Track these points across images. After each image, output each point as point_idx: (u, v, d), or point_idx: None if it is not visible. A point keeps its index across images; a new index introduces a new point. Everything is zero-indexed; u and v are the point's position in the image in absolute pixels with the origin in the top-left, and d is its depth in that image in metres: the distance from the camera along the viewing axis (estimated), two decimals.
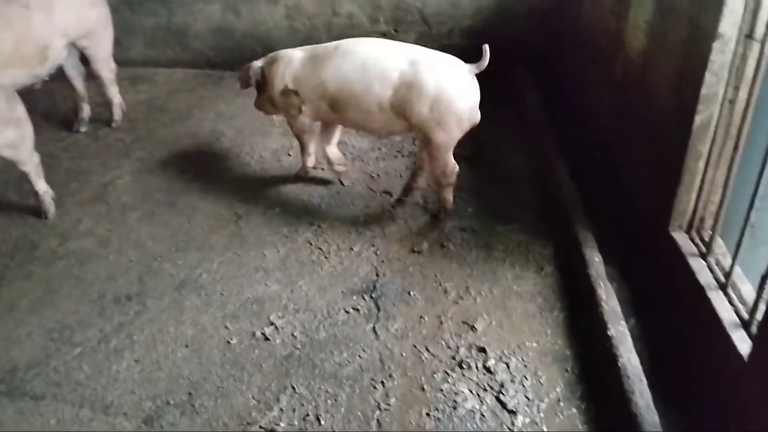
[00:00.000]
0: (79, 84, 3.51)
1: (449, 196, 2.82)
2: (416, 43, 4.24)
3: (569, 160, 3.09)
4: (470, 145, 3.47)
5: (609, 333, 2.07)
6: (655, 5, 2.44)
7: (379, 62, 2.62)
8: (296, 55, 2.88)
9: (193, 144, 3.51)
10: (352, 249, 2.71)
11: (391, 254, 2.68)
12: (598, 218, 2.67)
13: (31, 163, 2.74)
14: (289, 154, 3.43)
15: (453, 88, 2.55)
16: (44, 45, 3.02)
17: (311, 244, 2.75)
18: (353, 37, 4.13)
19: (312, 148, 3.12)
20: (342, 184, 3.17)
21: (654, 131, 2.43)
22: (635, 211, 2.59)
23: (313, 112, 2.86)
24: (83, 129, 3.57)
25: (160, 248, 2.71)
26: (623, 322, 2.14)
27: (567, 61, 3.88)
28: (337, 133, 3.13)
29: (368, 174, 3.26)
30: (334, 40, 4.21)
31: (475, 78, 2.65)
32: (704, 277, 2.05)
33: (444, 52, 4.21)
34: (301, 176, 3.19)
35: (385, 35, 4.27)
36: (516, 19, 4.10)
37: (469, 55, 4.19)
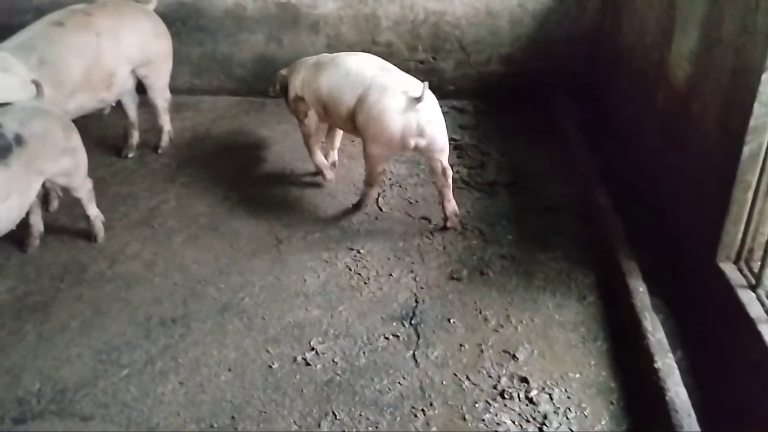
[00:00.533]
0: (132, 111, 3.66)
1: (370, 194, 3.11)
2: (454, 70, 4.33)
3: (611, 187, 3.06)
4: (510, 172, 3.49)
5: (656, 366, 2.03)
6: (701, 35, 2.43)
7: (356, 75, 2.92)
8: (306, 63, 3.22)
9: (236, 169, 3.60)
10: (391, 275, 2.73)
11: (430, 281, 2.68)
12: (642, 247, 2.63)
13: (84, 189, 2.83)
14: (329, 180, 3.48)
15: (389, 112, 2.76)
16: (111, 72, 3.19)
17: (351, 270, 2.77)
18: (392, 64, 4.22)
19: (317, 151, 3.37)
20: (381, 210, 3.20)
21: (699, 161, 2.40)
22: (680, 240, 2.54)
23: (317, 116, 3.17)
24: (131, 155, 3.70)
25: (204, 272, 2.77)
26: (670, 355, 2.10)
27: (607, 87, 3.86)
28: (338, 138, 3.47)
29: (406, 200, 3.29)
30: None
31: (423, 106, 2.77)
32: (754, 309, 2.00)
33: (483, 80, 4.29)
34: (323, 180, 3.40)
35: (422, 63, 4.34)
36: (555, 46, 4.11)
37: (508, 82, 4.25)
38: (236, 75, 4.49)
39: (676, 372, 2.02)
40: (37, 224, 2.87)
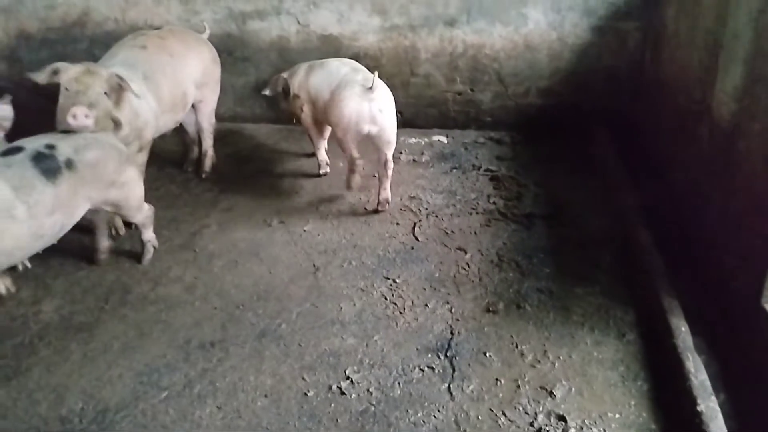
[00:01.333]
0: (191, 128, 3.89)
1: (350, 178, 3.39)
2: (492, 102, 4.36)
3: (652, 222, 3.02)
4: (547, 204, 3.47)
5: (698, 408, 1.98)
6: (745, 72, 2.41)
7: (333, 74, 3.44)
8: (302, 67, 3.72)
9: (275, 196, 3.67)
10: (426, 305, 2.73)
11: (466, 312, 2.68)
12: (684, 285, 2.58)
13: (139, 216, 2.91)
14: (365, 209, 3.52)
15: (346, 100, 3.25)
16: (184, 92, 3.41)
17: (386, 299, 2.79)
18: (429, 96, 4.28)
19: (321, 144, 3.85)
20: (417, 239, 3.22)
21: (744, 199, 2.36)
22: (724, 280, 2.49)
23: (311, 111, 3.64)
24: (190, 169, 3.92)
25: (243, 296, 2.82)
26: (713, 398, 2.04)
27: (648, 122, 3.83)
28: (326, 134, 3.81)
29: (442, 230, 3.30)
30: (411, 98, 4.41)
31: (376, 97, 3.22)
32: None
33: (520, 112, 4.31)
34: (323, 174, 3.84)
35: (460, 94, 4.39)
36: (594, 80, 4.11)
37: (546, 114, 4.26)
38: (278, 105, 4.60)
39: (720, 416, 1.97)
40: (103, 240, 3.00)
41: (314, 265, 3.04)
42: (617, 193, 3.41)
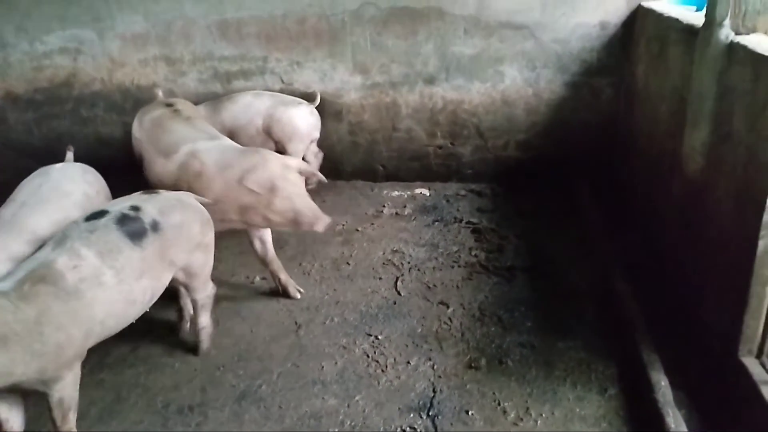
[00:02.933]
0: None
1: None
2: (472, 155, 4.45)
3: (632, 274, 3.06)
4: (528, 257, 3.51)
5: None
6: (711, 129, 2.49)
7: (256, 105, 4.08)
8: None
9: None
10: (408, 363, 2.71)
11: (448, 369, 2.66)
12: (663, 338, 2.59)
13: (204, 292, 2.75)
14: (348, 263, 3.54)
15: (300, 117, 4.07)
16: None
17: (368, 357, 2.77)
18: (411, 150, 4.36)
19: None
20: (399, 294, 3.22)
21: (717, 252, 2.40)
22: (702, 332, 2.51)
23: None
24: None
25: (223, 357, 2.79)
26: None
27: (625, 173, 3.92)
28: None
29: (425, 284, 3.31)
30: (393, 152, 4.49)
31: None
32: None
33: (500, 164, 4.39)
34: None
35: (441, 148, 4.48)
36: (570, 133, 4.22)
37: (525, 166, 4.35)
38: None
39: None
40: (187, 307, 2.94)
41: (296, 323, 3.03)
42: (597, 245, 3.45)
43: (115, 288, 2.20)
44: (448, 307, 3.09)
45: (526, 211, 4.02)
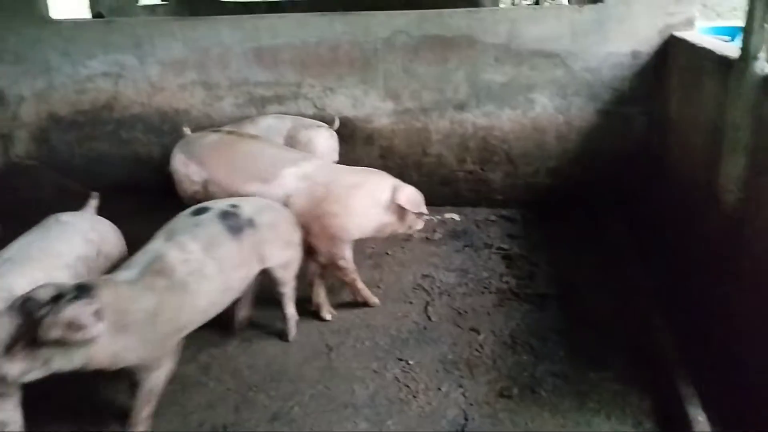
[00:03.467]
0: None
1: None
2: (502, 181, 4.47)
3: (665, 303, 3.03)
4: (560, 284, 3.50)
5: None
6: (748, 161, 2.49)
7: (276, 127, 4.12)
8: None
9: None
10: (440, 389, 2.72)
11: (479, 397, 2.66)
12: (699, 371, 2.56)
13: (291, 285, 2.99)
14: (378, 287, 3.56)
15: (319, 140, 4.06)
16: None
17: (399, 381, 2.78)
18: (441, 175, 4.39)
19: None
20: (430, 319, 3.24)
21: (753, 286, 2.38)
22: (739, 367, 2.47)
23: None
24: None
25: (256, 377, 2.83)
26: None
27: (657, 202, 3.90)
28: None
29: (455, 310, 3.32)
30: (424, 177, 4.53)
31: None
32: None
33: (530, 190, 4.40)
34: None
35: (471, 173, 4.51)
36: (602, 160, 4.22)
37: (556, 193, 4.35)
38: None
39: None
40: (246, 309, 3.12)
41: (327, 345, 3.05)
42: (629, 275, 3.43)
43: (216, 278, 2.42)
44: (479, 334, 3.09)
45: (557, 238, 4.02)
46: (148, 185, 4.37)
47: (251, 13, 7.94)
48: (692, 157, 3.26)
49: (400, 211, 3.04)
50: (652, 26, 3.92)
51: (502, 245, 3.99)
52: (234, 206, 2.64)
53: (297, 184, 3.00)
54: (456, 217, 4.46)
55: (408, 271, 3.74)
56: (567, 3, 7.62)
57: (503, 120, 4.32)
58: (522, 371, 2.80)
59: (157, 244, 2.38)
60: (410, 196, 3.04)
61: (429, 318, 3.25)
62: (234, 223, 2.56)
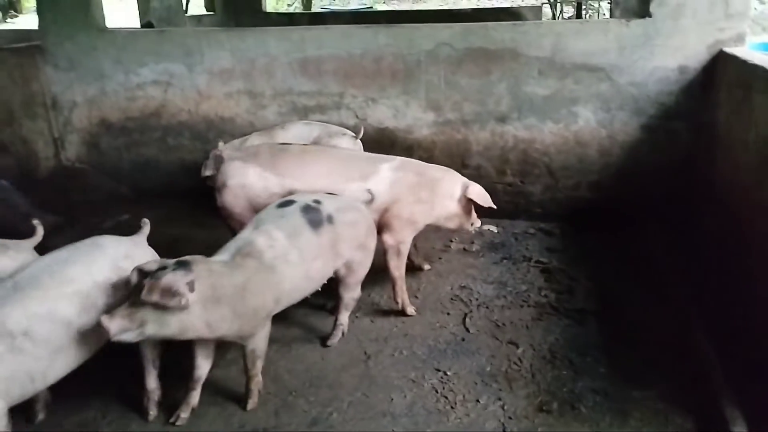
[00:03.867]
0: None
1: None
2: (542, 194, 4.45)
3: (707, 321, 2.97)
4: (599, 299, 3.46)
5: None
6: None
7: (307, 133, 4.31)
8: (252, 137, 4.31)
9: (330, 279, 3.76)
10: (478, 401, 2.71)
11: (518, 411, 2.64)
12: (745, 393, 2.50)
13: (353, 292, 3.10)
14: (416, 296, 3.58)
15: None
16: None
17: (437, 392, 2.78)
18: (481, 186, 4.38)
19: None
20: (467, 331, 3.23)
21: None
22: None
23: None
24: None
25: (295, 382, 2.87)
26: None
27: (702, 219, 3.83)
28: None
29: (493, 322, 3.31)
30: None
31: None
32: None
33: (570, 204, 4.36)
34: None
35: (510, 185, 4.50)
36: (645, 175, 4.16)
37: (596, 207, 4.30)
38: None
39: None
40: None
41: (365, 353, 3.08)
42: (671, 291, 3.37)
43: (298, 265, 2.63)
44: (517, 347, 3.07)
45: (597, 253, 3.97)
46: (193, 191, 4.50)
47: (294, 24, 8.13)
48: (741, 174, 3.19)
49: (467, 206, 3.41)
50: (702, 41, 3.87)
51: (541, 258, 3.96)
52: (317, 201, 2.82)
53: (395, 175, 3.30)
54: (494, 228, 4.45)
55: (446, 281, 3.75)
56: (609, 16, 7.55)
57: (545, 133, 4.30)
58: (561, 386, 2.78)
59: (246, 233, 2.63)
60: (479, 191, 3.42)
61: (467, 329, 3.24)
62: (314, 216, 2.74)
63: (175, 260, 2.30)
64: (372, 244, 3.04)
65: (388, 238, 3.28)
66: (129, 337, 2.19)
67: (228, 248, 2.55)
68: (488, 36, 4.18)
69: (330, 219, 2.79)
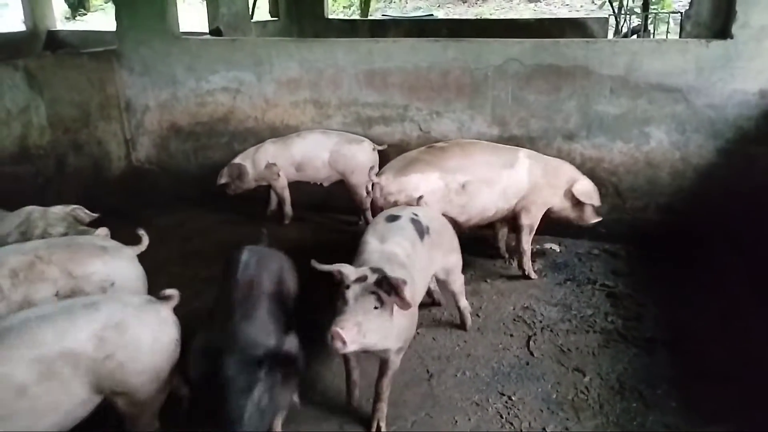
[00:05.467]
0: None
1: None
2: (608, 214, 4.34)
3: None
4: (669, 328, 3.36)
5: None
6: None
7: (323, 141, 4.54)
8: (266, 144, 4.63)
9: None
10: (545, 429, 2.67)
11: None
12: None
13: (460, 280, 3.29)
14: (477, 315, 3.55)
15: (361, 153, 4.53)
16: None
17: (502, 417, 2.76)
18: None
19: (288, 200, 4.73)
20: (532, 354, 3.19)
21: None
22: None
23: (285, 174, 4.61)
24: None
25: (360, 397, 2.88)
26: None
27: None
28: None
29: (558, 347, 3.25)
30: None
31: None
32: None
33: (638, 226, 4.24)
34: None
35: None
36: (720, 201, 4.01)
37: (666, 231, 4.17)
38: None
39: None
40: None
41: (428, 372, 3.08)
42: (748, 322, 3.25)
43: (421, 271, 2.81)
44: (584, 375, 3.01)
45: (666, 278, 3.86)
46: (256, 195, 4.61)
47: (355, 30, 8.20)
48: None
49: (574, 199, 3.80)
50: None
51: (607, 282, 3.88)
52: (416, 214, 3.02)
53: (530, 163, 3.73)
54: (556, 247, 4.38)
55: (507, 301, 3.71)
56: (679, 29, 7.32)
57: (614, 152, 4.21)
58: (631, 420, 2.71)
59: (377, 245, 2.73)
60: (584, 188, 3.80)
61: (531, 353, 3.20)
62: (419, 227, 2.93)
63: (367, 268, 2.36)
64: (457, 244, 3.22)
65: (524, 219, 3.75)
66: (353, 348, 2.26)
67: (370, 259, 2.60)
68: (560, 53, 4.11)
69: (427, 229, 2.96)
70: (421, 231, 2.92)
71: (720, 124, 3.91)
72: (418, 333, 3.36)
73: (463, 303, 3.39)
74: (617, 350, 3.19)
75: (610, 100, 4.10)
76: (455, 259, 3.21)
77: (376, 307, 2.27)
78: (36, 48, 7.81)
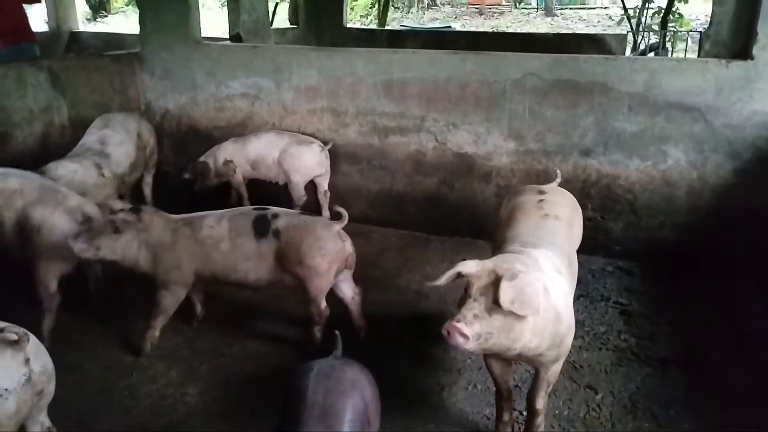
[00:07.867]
0: None
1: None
2: (622, 231, 4.33)
3: None
4: (684, 349, 3.33)
5: None
6: None
7: (276, 141, 4.70)
8: (227, 144, 4.79)
9: (401, 304, 3.79)
10: None
11: None
12: None
13: None
14: None
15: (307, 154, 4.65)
16: None
17: None
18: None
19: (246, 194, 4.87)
20: None
21: None
22: None
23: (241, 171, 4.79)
24: None
25: None
26: None
27: None
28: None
29: (570, 363, 3.23)
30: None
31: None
32: None
33: (653, 244, 4.21)
34: None
35: (590, 220, 4.37)
36: (737, 222, 3.98)
37: (681, 249, 4.14)
38: (407, 211, 4.84)
39: None
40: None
41: (439, 383, 3.07)
42: (760, 344, 3.21)
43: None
44: (596, 393, 2.99)
45: (681, 298, 3.83)
46: (271, 201, 4.61)
47: (374, 39, 8.25)
48: None
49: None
50: None
51: (620, 299, 3.86)
52: None
53: None
54: None
55: None
56: (698, 48, 7.31)
57: (630, 170, 4.19)
58: None
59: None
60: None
61: None
62: None
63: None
64: None
65: None
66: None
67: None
68: (578, 68, 4.12)
69: None
70: None
71: (738, 144, 3.90)
72: (425, 344, 3.36)
73: None
74: (630, 369, 3.17)
75: (628, 118, 4.09)
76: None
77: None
78: (58, 48, 7.90)
